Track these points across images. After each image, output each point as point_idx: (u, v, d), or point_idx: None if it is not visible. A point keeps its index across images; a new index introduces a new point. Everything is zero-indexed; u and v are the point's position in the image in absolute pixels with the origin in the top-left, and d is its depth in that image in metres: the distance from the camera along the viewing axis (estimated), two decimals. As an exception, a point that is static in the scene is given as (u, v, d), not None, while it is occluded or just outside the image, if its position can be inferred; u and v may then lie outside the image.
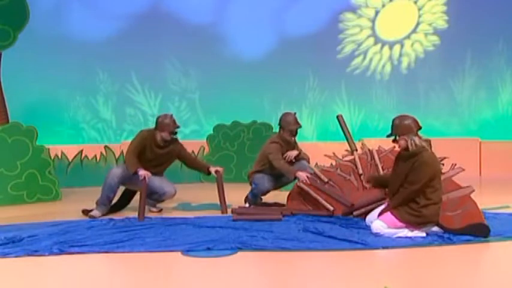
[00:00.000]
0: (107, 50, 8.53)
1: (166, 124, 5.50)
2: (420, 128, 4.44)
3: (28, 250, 4.05)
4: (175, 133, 5.57)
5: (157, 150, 5.56)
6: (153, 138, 5.54)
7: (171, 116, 5.63)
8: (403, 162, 4.40)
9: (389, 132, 4.49)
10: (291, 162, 5.69)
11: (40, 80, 8.25)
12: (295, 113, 5.80)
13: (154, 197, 5.61)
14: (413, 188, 4.29)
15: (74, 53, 8.37)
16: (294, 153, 5.71)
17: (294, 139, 5.84)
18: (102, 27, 8.63)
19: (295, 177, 5.49)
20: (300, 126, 5.80)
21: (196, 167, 5.99)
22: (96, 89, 8.70)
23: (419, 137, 4.38)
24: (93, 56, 8.46)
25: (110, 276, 3.71)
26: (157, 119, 5.62)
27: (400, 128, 4.39)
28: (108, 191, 5.46)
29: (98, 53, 8.48)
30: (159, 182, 5.51)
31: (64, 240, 4.28)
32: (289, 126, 5.70)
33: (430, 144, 4.44)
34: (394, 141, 4.47)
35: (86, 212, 5.54)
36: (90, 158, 7.97)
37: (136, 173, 5.30)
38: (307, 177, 5.41)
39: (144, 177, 5.28)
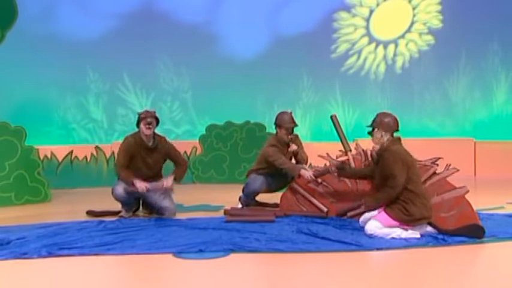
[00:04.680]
0: (98, 49, 8.46)
1: (142, 118, 5.40)
2: (397, 130, 4.58)
3: (16, 253, 3.99)
4: (150, 123, 5.38)
5: (146, 154, 5.42)
6: (140, 142, 5.40)
7: (152, 111, 5.54)
8: (376, 163, 4.57)
9: (370, 124, 4.62)
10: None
11: (29, 79, 8.17)
12: (291, 112, 5.82)
13: (153, 211, 5.53)
14: (394, 183, 4.32)
15: (64, 52, 8.30)
16: (294, 147, 5.74)
17: (299, 140, 5.86)
18: (93, 26, 8.56)
19: (299, 176, 5.45)
20: (296, 125, 5.80)
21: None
22: (87, 88, 8.63)
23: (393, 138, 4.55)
24: (83, 55, 8.38)
25: (100, 279, 3.65)
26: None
27: (381, 123, 4.53)
28: (127, 203, 5.42)
29: (89, 52, 8.41)
30: (160, 201, 5.38)
31: (53, 243, 4.23)
32: (285, 124, 5.70)
33: (400, 142, 4.54)
34: (370, 133, 4.60)
35: (91, 213, 5.53)
36: (80, 158, 7.91)
37: (133, 185, 5.24)
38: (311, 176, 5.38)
39: (144, 188, 5.22)
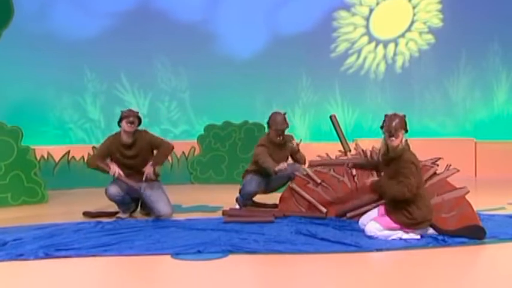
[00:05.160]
0: (95, 48, 8.39)
1: (124, 116, 5.36)
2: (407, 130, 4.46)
3: (12, 254, 3.97)
4: (133, 122, 5.32)
5: (125, 149, 5.36)
6: (119, 139, 5.37)
7: (136, 111, 5.48)
8: (387, 165, 4.42)
9: (384, 125, 4.38)
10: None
11: (26, 78, 8.09)
12: (284, 113, 5.74)
13: (150, 212, 5.50)
14: (410, 184, 4.21)
15: (61, 51, 8.22)
16: (294, 143, 5.69)
17: (294, 141, 5.76)
18: (90, 25, 8.48)
19: (276, 173, 5.46)
20: (287, 127, 5.71)
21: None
22: (84, 88, 8.56)
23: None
24: (80, 55, 8.31)
25: (97, 281, 3.64)
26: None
27: (401, 123, 4.32)
28: (122, 203, 5.40)
29: (86, 51, 8.33)
30: (156, 202, 5.33)
31: (50, 244, 4.21)
32: (276, 126, 5.64)
33: (408, 145, 4.43)
34: (391, 136, 4.32)
35: (88, 214, 5.50)
36: (77, 159, 7.85)
37: (108, 170, 5.25)
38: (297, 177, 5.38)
39: (118, 174, 5.23)
